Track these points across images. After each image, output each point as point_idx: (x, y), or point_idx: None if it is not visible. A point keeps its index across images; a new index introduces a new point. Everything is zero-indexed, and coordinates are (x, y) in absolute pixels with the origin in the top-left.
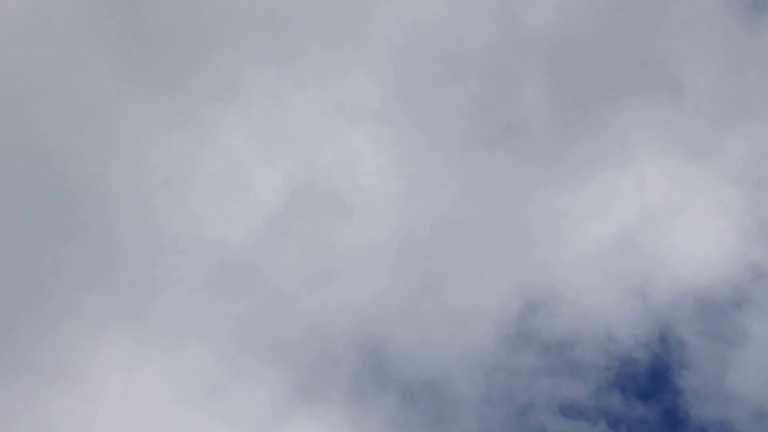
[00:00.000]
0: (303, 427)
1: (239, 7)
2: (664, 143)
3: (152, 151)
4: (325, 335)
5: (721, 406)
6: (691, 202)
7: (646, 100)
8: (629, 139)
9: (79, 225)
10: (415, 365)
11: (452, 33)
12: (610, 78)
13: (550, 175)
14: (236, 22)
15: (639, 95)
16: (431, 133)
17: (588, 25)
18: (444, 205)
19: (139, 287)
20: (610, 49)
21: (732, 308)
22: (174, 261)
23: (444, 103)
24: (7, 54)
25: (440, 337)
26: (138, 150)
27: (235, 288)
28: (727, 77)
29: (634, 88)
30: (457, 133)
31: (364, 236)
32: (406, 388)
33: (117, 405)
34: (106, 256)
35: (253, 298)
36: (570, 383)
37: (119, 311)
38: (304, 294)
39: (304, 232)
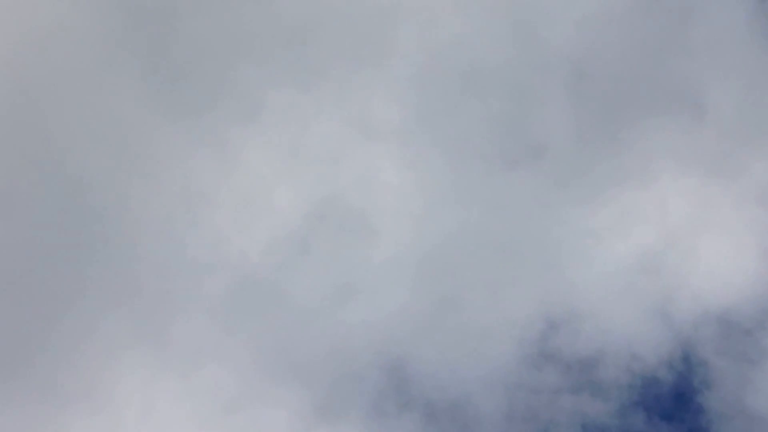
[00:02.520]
0: None
1: (261, 27)
2: (685, 163)
3: (173, 171)
4: (345, 354)
5: (743, 425)
6: (713, 222)
7: (667, 119)
8: (651, 159)
9: (102, 245)
10: (436, 384)
11: (473, 53)
12: (632, 97)
13: (571, 194)
14: (258, 42)
15: (661, 115)
16: (452, 153)
17: (609, 45)
18: (465, 224)
19: (160, 306)
20: (631, 69)
21: (755, 328)
22: (194, 280)
23: (465, 123)
24: (33, 76)
25: (462, 356)
26: (159, 170)
27: (254, 307)
28: (749, 97)
29: (655, 107)
30: (478, 152)
31: (386, 255)
32: (428, 408)
33: (137, 424)
34: (127, 276)
35: (273, 317)
36: (592, 402)
37: (140, 330)
38: (324, 313)
39: (325, 251)
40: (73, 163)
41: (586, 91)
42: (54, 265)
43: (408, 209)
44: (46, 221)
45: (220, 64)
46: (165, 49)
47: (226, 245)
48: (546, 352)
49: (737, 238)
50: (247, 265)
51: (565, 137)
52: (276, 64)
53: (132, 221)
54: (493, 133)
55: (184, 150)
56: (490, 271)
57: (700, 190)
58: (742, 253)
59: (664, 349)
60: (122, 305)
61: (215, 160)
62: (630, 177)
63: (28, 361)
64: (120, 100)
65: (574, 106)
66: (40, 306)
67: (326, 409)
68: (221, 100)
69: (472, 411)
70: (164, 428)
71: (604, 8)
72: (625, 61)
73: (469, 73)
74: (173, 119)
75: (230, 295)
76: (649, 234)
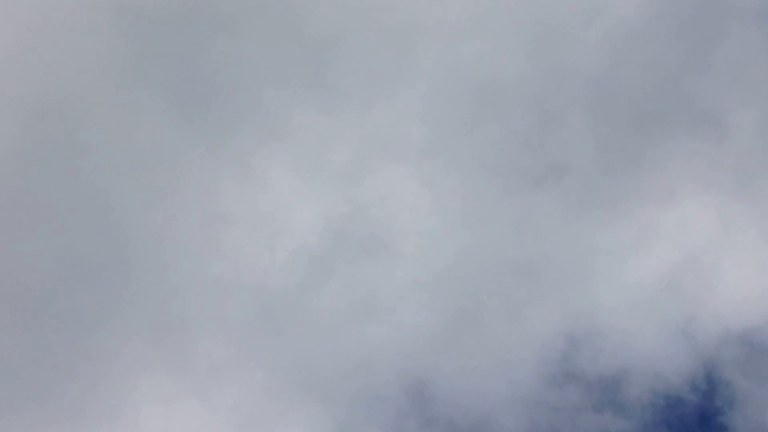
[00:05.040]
0: None
1: (282, 49)
2: (707, 182)
3: (196, 192)
4: (366, 373)
5: None
6: (735, 241)
7: (689, 138)
8: (672, 177)
9: (126, 266)
10: (458, 403)
11: (493, 71)
12: (654, 116)
13: (592, 213)
14: (279, 64)
15: (682, 134)
16: (472, 172)
17: (631, 63)
18: (486, 243)
19: (182, 326)
20: (653, 88)
21: None
22: (216, 300)
23: (485, 142)
24: (61, 100)
25: (484, 375)
26: (182, 190)
27: (275, 326)
28: None
29: (677, 126)
30: (498, 171)
31: (407, 274)
32: (450, 427)
33: None
34: (150, 296)
35: (294, 337)
36: (615, 421)
37: (162, 350)
38: (345, 332)
39: (346, 271)
40: (99, 184)
41: (607, 110)
42: (78, 287)
43: (428, 228)
44: (71, 243)
45: (243, 86)
46: (189, 73)
47: (247, 265)
48: (568, 370)
49: (759, 257)
50: (268, 285)
51: (586, 156)
52: (297, 86)
53: (155, 242)
54: (514, 152)
55: (206, 170)
56: (512, 290)
57: (722, 210)
58: (764, 272)
59: (686, 369)
60: (145, 326)
61: (237, 181)
62: (652, 196)
63: (55, 385)
64: (145, 123)
65: (595, 125)
66: (66, 329)
67: (347, 429)
68: (243, 121)
69: (495, 429)
70: None
71: (624, 27)
72: (647, 79)
73: (489, 92)
74: (196, 140)
75: (251, 314)
76: (670, 253)
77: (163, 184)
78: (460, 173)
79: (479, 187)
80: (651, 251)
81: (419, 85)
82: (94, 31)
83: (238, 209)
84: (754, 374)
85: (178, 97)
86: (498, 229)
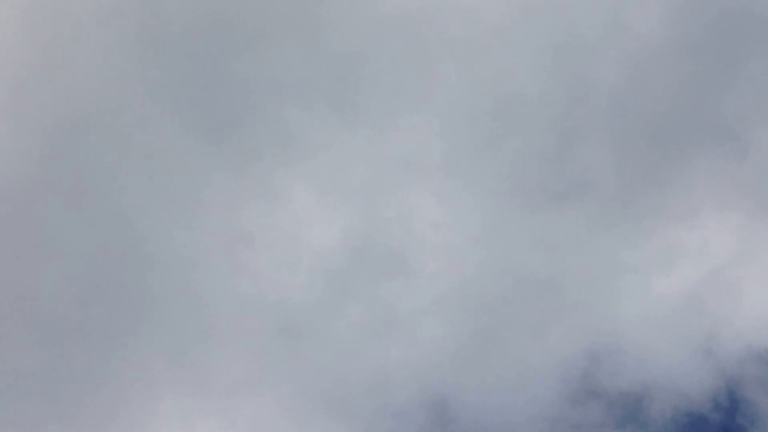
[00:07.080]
0: None
1: (302, 68)
2: (729, 199)
3: (216, 211)
4: (387, 390)
5: None
6: (756, 258)
7: (711, 155)
8: (694, 195)
9: (147, 286)
10: (479, 420)
11: (514, 88)
12: (675, 133)
13: (613, 230)
14: (299, 83)
15: (704, 151)
16: (493, 189)
17: (652, 80)
18: (507, 260)
19: (203, 344)
20: (674, 105)
21: None
22: (238, 318)
23: (505, 159)
24: (85, 123)
25: (505, 392)
26: (202, 210)
27: (295, 344)
28: None
29: (699, 143)
30: (519, 188)
31: (427, 291)
32: None
33: None
34: (172, 315)
35: (315, 354)
36: None
37: (183, 368)
38: (365, 349)
39: (365, 288)
40: (122, 204)
41: (628, 128)
42: (101, 306)
43: (449, 245)
44: (94, 263)
45: (264, 105)
46: (211, 93)
47: (268, 283)
48: (590, 387)
49: None
50: (289, 303)
51: (607, 173)
52: (317, 105)
53: (178, 261)
54: (535, 169)
55: (228, 189)
56: (533, 307)
57: (744, 227)
58: None
59: (708, 386)
60: (167, 344)
61: (258, 199)
62: (674, 214)
63: (77, 404)
64: (167, 142)
65: (616, 143)
66: (89, 348)
67: None
68: (265, 141)
69: None
70: None
71: (646, 44)
72: (669, 97)
73: (509, 109)
74: (218, 159)
75: (272, 332)
76: (693, 271)
77: (185, 202)
78: (481, 190)
79: (500, 204)
80: (673, 269)
81: (439, 102)
82: (118, 53)
83: (260, 227)
84: None
85: (201, 117)
86: (518, 247)
